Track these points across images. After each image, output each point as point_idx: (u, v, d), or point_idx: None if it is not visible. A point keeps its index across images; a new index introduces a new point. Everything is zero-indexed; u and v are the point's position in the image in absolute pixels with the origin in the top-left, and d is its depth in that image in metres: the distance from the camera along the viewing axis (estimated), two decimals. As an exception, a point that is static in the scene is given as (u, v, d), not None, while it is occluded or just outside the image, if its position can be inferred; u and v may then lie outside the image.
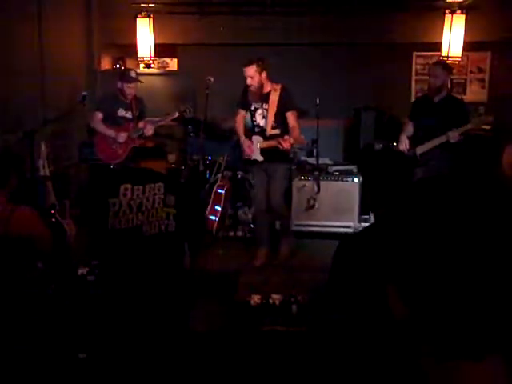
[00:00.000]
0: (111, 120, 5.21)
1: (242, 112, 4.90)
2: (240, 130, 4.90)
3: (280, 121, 4.71)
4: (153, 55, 6.67)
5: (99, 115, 5.21)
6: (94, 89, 6.76)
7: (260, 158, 4.78)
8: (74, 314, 3.39)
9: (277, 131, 4.71)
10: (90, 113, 5.40)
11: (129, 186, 2.69)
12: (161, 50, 6.81)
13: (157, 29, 6.61)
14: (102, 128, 5.20)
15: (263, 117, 4.75)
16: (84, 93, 5.02)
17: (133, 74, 5.25)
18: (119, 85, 5.21)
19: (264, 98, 4.72)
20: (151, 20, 6.56)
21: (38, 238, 3.12)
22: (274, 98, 4.69)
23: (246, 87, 4.77)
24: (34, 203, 4.00)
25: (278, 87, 4.71)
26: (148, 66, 6.76)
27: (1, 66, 4.96)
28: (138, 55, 6.66)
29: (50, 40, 5.73)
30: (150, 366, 2.57)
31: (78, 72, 6.56)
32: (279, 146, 4.46)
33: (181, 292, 2.78)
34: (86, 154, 5.87)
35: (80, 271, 3.81)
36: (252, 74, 4.62)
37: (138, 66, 6.83)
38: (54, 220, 4.12)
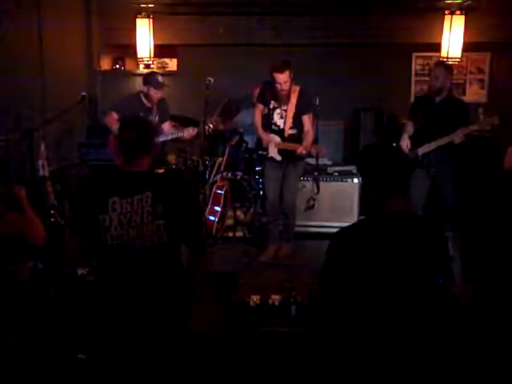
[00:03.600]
0: None
1: (260, 106, 4.93)
2: (259, 124, 4.95)
3: (298, 122, 4.82)
4: (152, 56, 6.66)
5: (114, 115, 4.98)
6: (94, 89, 6.77)
7: (278, 158, 4.86)
8: (73, 315, 3.39)
9: (294, 131, 4.83)
10: (89, 113, 5.39)
11: (116, 199, 2.54)
12: (160, 51, 6.80)
13: (156, 29, 6.59)
14: (116, 130, 5.07)
15: (281, 117, 4.81)
16: (83, 93, 5.02)
17: (160, 80, 5.10)
18: (145, 89, 5.09)
19: (284, 99, 4.78)
20: (151, 20, 6.55)
21: (29, 234, 3.12)
22: (293, 99, 4.76)
23: (266, 83, 4.82)
24: (34, 203, 4.00)
25: (297, 89, 4.77)
26: (147, 66, 6.75)
27: (0, 66, 4.95)
28: (138, 56, 6.65)
29: (50, 40, 5.72)
30: (148, 367, 2.56)
31: (78, 72, 6.56)
32: (297, 151, 4.65)
33: (179, 295, 2.68)
34: (85, 154, 5.86)
35: (80, 271, 3.81)
36: (286, 80, 4.63)
37: (137, 66, 6.83)
38: (53, 220, 4.13)
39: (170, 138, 5.20)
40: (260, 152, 5.06)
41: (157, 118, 5.21)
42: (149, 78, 5.12)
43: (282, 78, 4.61)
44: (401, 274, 2.21)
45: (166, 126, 5.34)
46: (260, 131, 4.94)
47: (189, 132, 5.14)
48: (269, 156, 4.91)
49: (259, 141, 5.15)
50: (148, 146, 2.67)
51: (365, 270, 2.21)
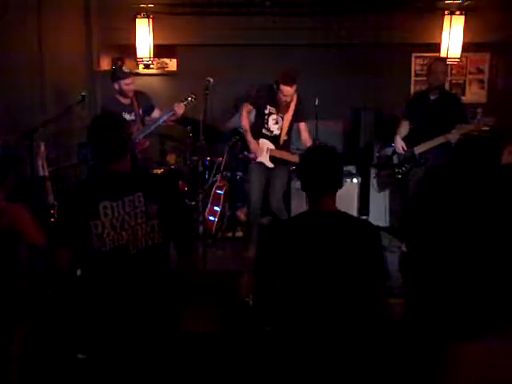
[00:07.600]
0: None
1: (249, 106, 4.92)
2: (247, 126, 4.91)
3: (291, 129, 4.89)
4: (152, 56, 6.66)
5: None
6: (94, 89, 6.76)
7: (270, 165, 4.85)
8: (73, 315, 3.38)
9: (287, 137, 4.91)
10: (89, 113, 5.39)
11: (107, 203, 2.42)
12: (160, 51, 6.80)
13: (156, 29, 6.59)
14: None
15: (276, 123, 4.79)
16: (83, 93, 5.02)
17: (125, 69, 5.16)
18: (116, 86, 5.09)
19: (284, 109, 4.80)
20: (150, 20, 6.55)
21: (28, 233, 3.12)
22: (292, 108, 4.79)
23: (264, 87, 4.84)
24: (33, 203, 4.00)
25: (295, 97, 4.78)
26: (147, 66, 6.76)
27: (0, 66, 4.95)
28: (138, 56, 6.65)
29: (50, 40, 5.72)
30: (149, 368, 2.56)
31: (78, 72, 6.55)
32: (291, 160, 4.71)
33: (169, 294, 2.61)
34: (84, 155, 5.85)
35: (79, 272, 3.80)
36: (292, 93, 4.66)
37: (137, 66, 6.82)
38: (53, 220, 4.12)
39: (164, 118, 5.13)
40: (246, 153, 5.00)
41: (141, 111, 5.20)
42: (114, 74, 5.12)
43: (289, 92, 4.62)
44: (324, 270, 2.28)
45: (156, 113, 5.31)
46: (249, 135, 4.91)
47: (179, 107, 5.06)
48: (257, 160, 4.89)
49: (245, 143, 5.08)
50: (127, 144, 2.55)
51: (290, 265, 2.30)
